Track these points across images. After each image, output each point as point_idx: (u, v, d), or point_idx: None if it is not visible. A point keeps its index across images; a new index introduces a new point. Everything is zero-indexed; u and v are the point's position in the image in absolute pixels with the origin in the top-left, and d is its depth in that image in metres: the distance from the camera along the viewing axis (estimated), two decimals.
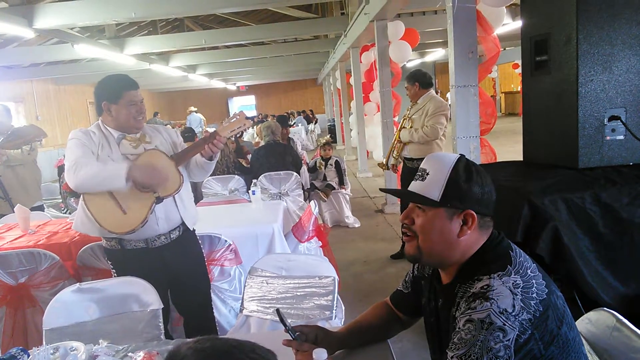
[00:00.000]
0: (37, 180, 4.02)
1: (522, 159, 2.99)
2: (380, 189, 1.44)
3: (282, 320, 1.39)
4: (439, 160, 1.24)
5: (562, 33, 2.40)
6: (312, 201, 3.50)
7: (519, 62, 15.40)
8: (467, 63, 3.22)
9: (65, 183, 3.52)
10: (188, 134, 6.09)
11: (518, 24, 5.52)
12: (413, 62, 15.28)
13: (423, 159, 4.21)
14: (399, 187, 4.86)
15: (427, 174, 1.23)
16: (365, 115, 8.57)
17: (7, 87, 11.49)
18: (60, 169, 6.82)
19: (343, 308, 2.58)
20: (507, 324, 1.02)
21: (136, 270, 2.18)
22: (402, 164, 4.34)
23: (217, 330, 2.58)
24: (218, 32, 10.23)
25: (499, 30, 4.05)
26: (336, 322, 2.14)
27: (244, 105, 24.72)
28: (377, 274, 4.15)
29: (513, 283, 1.08)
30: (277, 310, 1.43)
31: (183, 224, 2.39)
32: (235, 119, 2.35)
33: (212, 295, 2.70)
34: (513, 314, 1.03)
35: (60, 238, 3.13)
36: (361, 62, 8.64)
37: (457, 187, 1.19)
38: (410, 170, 4.14)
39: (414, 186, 1.25)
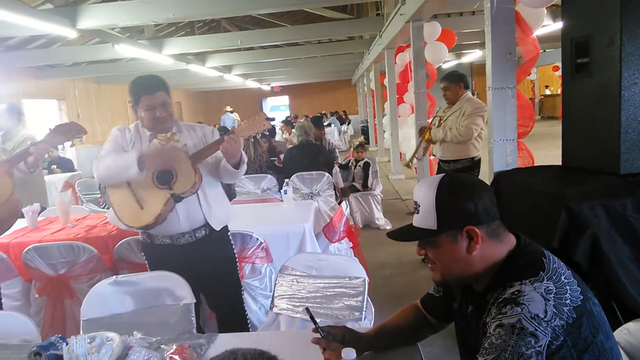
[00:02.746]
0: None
1: (560, 164, 2.92)
2: (387, 234, 1.34)
3: (311, 319, 1.40)
4: (424, 188, 1.23)
5: (605, 34, 2.32)
6: (344, 202, 3.50)
7: (559, 64, 15.02)
8: (504, 65, 3.16)
9: None
10: (222, 133, 6.19)
11: (558, 25, 5.39)
12: (449, 63, 15.07)
13: (459, 160, 4.16)
14: None
15: (419, 205, 1.22)
16: (399, 116, 8.51)
17: (50, 85, 11.91)
18: None
19: (373, 310, 2.57)
20: (539, 330, 1.00)
21: (164, 265, 2.26)
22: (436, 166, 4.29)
23: (249, 327, 2.60)
24: (253, 32, 10.37)
25: (539, 32, 3.95)
26: (365, 323, 2.13)
27: (277, 105, 24.92)
28: (407, 277, 4.11)
29: (545, 289, 1.06)
30: (307, 309, 1.44)
31: (208, 224, 2.38)
32: (254, 119, 2.29)
33: (243, 292, 2.72)
34: (545, 319, 1.01)
35: (99, 232, 3.23)
36: (396, 63, 8.58)
37: (447, 209, 1.18)
38: (442, 172, 4.09)
39: (414, 220, 1.25)
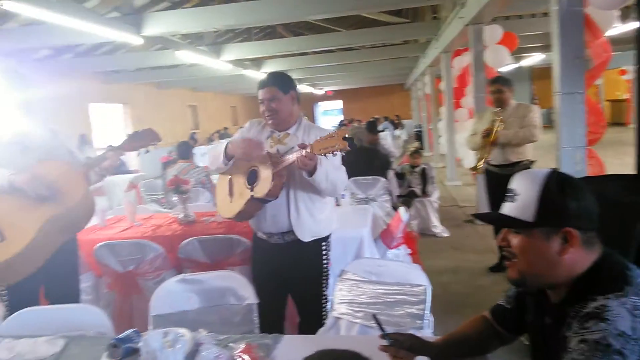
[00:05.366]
0: None
1: (633, 172, 2.77)
2: (472, 215, 1.38)
3: (379, 326, 1.40)
4: (528, 178, 1.17)
5: None
6: (403, 207, 3.46)
7: (627, 68, 14.25)
8: (573, 68, 3.05)
9: (170, 179, 3.76)
10: None
11: (627, 26, 5.13)
12: (508, 67, 14.61)
13: (519, 163, 4.02)
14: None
15: (518, 194, 1.17)
16: (456, 121, 8.34)
17: (115, 89, 12.51)
18: (165, 165, 7.30)
19: (432, 319, 2.52)
20: (626, 348, 0.96)
21: (260, 258, 2.46)
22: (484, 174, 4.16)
23: None
24: (308, 38, 10.47)
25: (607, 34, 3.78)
26: (426, 332, 2.10)
27: (329, 110, 25.04)
28: (467, 285, 4.02)
29: (632, 305, 1.01)
30: (374, 316, 1.43)
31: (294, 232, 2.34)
32: (332, 136, 2.01)
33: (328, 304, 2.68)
34: (633, 337, 0.96)
35: (164, 231, 3.35)
36: (452, 67, 8.43)
37: (550, 204, 1.12)
38: (496, 178, 3.98)
39: (505, 208, 1.20)
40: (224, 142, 2.39)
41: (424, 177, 5.63)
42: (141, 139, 2.47)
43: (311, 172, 2.12)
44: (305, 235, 2.34)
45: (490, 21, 6.12)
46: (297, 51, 10.39)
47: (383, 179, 4.89)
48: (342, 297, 2.32)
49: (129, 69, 12.04)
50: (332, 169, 2.20)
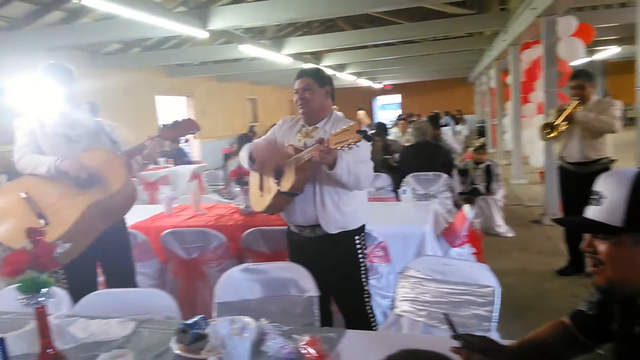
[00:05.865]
0: None
1: None
2: (553, 220, 1.28)
3: (451, 326, 1.34)
4: (615, 179, 1.08)
5: None
6: (468, 205, 3.34)
7: None
8: None
9: (232, 170, 3.83)
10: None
11: None
12: (581, 60, 13.84)
13: (586, 163, 3.76)
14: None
15: (604, 196, 1.08)
16: (523, 117, 7.99)
17: (180, 83, 12.91)
18: (226, 156, 7.46)
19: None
20: None
21: (294, 251, 2.49)
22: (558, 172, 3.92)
23: (376, 326, 2.57)
24: (369, 31, 10.34)
25: None
26: (493, 335, 2.01)
27: (388, 104, 24.75)
28: (533, 288, 3.83)
29: None
30: (446, 315, 1.37)
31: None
32: (346, 130, 2.02)
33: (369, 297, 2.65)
34: None
35: (226, 221, 3.41)
36: (521, 60, 8.07)
37: None
38: (573, 176, 3.75)
39: (590, 212, 1.11)
40: (252, 145, 2.46)
41: (489, 174, 5.42)
42: (180, 128, 2.52)
43: (331, 166, 2.13)
44: (331, 227, 2.35)
45: (564, 12, 5.80)
46: (357, 44, 10.28)
47: (445, 175, 4.75)
48: (404, 295, 2.27)
49: (193, 63, 12.38)
50: (354, 162, 2.20)
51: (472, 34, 12.15)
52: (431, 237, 3.06)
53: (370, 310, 2.56)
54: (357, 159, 2.24)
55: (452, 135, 10.82)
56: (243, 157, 2.47)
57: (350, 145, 1.98)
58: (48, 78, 2.47)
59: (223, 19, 6.57)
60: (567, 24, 5.57)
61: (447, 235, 3.16)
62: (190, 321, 1.61)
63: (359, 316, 2.53)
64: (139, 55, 10.36)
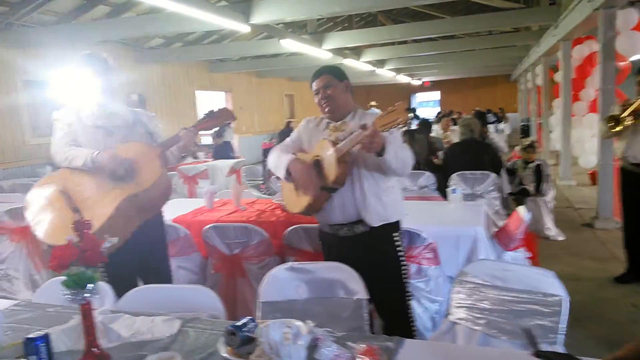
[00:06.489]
0: None
1: None
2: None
3: (531, 341, 1.20)
4: None
5: None
6: (523, 206, 3.15)
7: None
8: None
9: None
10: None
11: None
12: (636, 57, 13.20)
13: None
14: (616, 196, 4.12)
15: None
16: (573, 115, 7.63)
17: (219, 78, 13.00)
18: (265, 151, 7.42)
19: None
20: None
21: (330, 253, 2.39)
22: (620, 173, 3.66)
23: (416, 333, 2.44)
24: (410, 25, 10.14)
25: None
26: (559, 349, 1.85)
27: (426, 101, 24.34)
28: (588, 296, 3.60)
29: None
30: (526, 330, 1.24)
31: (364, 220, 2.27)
32: (392, 110, 2.01)
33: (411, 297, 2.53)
34: None
35: (268, 217, 3.34)
36: (571, 56, 7.71)
37: None
38: (634, 179, 3.49)
39: None
40: (285, 156, 2.32)
41: (539, 174, 5.16)
42: (216, 118, 2.45)
43: (380, 152, 2.05)
44: (373, 219, 2.26)
45: (623, 5, 5.46)
46: (397, 39, 10.07)
47: (493, 174, 4.54)
48: (460, 301, 2.12)
49: (233, 58, 12.43)
50: (399, 147, 2.16)
51: (519, 29, 11.73)
52: (484, 239, 2.89)
53: (410, 314, 2.46)
54: (397, 139, 2.21)
55: (494, 134, 10.49)
56: (273, 165, 2.38)
57: (400, 125, 1.94)
58: (84, 68, 2.43)
59: (265, 13, 6.52)
60: (628, 17, 5.24)
61: (501, 237, 2.99)
62: (238, 323, 1.52)
63: (399, 319, 2.42)
64: (180, 50, 10.46)
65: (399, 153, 2.14)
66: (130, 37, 8.88)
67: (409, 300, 2.43)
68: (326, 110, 2.33)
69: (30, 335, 1.38)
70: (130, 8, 7.95)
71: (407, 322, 2.42)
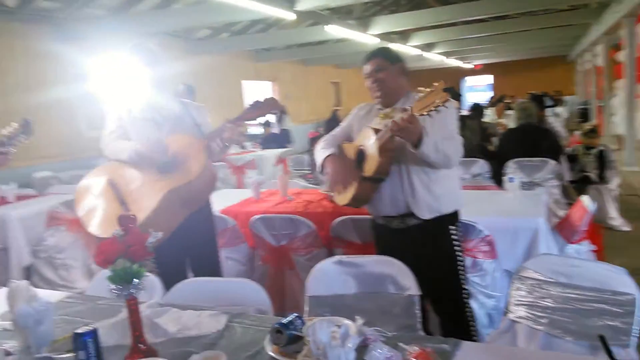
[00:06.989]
0: None
1: None
2: None
3: (607, 351, 1.08)
4: None
5: None
6: (586, 195, 2.95)
7: None
8: None
9: None
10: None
11: None
12: None
13: None
14: None
15: None
16: (638, 97, 7.13)
17: (265, 67, 13.02)
18: (312, 140, 7.39)
19: None
20: None
21: (382, 245, 2.32)
22: None
23: (475, 334, 2.32)
24: (460, 6, 9.73)
25: None
26: (631, 353, 1.71)
27: (477, 85, 23.58)
28: None
29: None
30: (602, 337, 1.11)
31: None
32: (431, 90, 1.89)
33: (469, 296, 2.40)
34: None
35: (315, 208, 3.28)
36: (636, 33, 7.19)
37: None
38: None
39: None
40: (323, 152, 2.33)
41: (602, 160, 4.85)
42: (260, 108, 2.38)
43: (416, 144, 1.95)
44: (423, 211, 2.15)
45: None
46: (447, 21, 9.73)
47: (552, 161, 4.30)
48: (520, 298, 1.99)
49: (278, 47, 12.41)
50: (441, 138, 2.03)
51: (576, 7, 11.07)
52: (545, 231, 2.71)
53: (469, 312, 2.33)
54: (444, 128, 2.09)
55: (551, 118, 9.98)
56: (316, 159, 2.37)
57: (438, 108, 1.82)
58: (132, 59, 2.43)
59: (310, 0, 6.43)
60: None
61: (563, 229, 2.80)
62: (285, 320, 1.47)
63: (456, 318, 2.31)
64: (227, 40, 10.53)
65: (441, 145, 2.02)
66: (179, 29, 9.02)
67: (466, 298, 2.31)
68: (377, 95, 2.23)
69: (79, 330, 1.38)
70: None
71: (465, 322, 2.30)
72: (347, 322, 1.47)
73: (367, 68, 2.22)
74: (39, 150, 6.32)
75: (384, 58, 2.21)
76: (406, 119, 1.89)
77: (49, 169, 6.34)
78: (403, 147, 2.09)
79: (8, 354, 1.49)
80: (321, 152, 2.32)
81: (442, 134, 2.06)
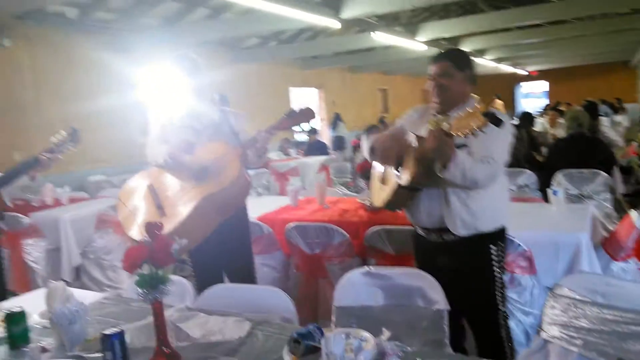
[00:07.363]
0: None
1: None
2: None
3: None
4: None
5: None
6: (634, 210, 2.79)
7: None
8: None
9: (359, 164, 3.69)
10: None
11: None
12: None
13: None
14: None
15: None
16: None
17: (312, 74, 13.13)
18: (355, 148, 7.37)
19: None
20: None
21: (420, 256, 2.30)
22: None
23: (512, 355, 2.23)
24: (513, 11, 9.45)
25: None
26: None
27: (533, 92, 22.81)
28: None
29: None
30: None
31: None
32: (471, 112, 1.75)
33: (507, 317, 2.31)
34: None
35: (350, 217, 3.28)
36: None
37: None
38: None
39: None
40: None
41: None
42: (295, 118, 2.40)
43: (445, 164, 1.88)
44: (458, 227, 2.06)
45: None
46: (499, 27, 9.48)
47: (604, 174, 4.10)
48: (554, 317, 1.91)
49: (326, 54, 12.50)
50: (475, 161, 1.94)
51: (638, 10, 10.52)
52: (588, 247, 2.59)
53: (506, 335, 2.22)
54: (485, 150, 1.97)
55: (610, 127, 9.52)
56: (364, 148, 2.28)
57: (475, 132, 1.70)
58: (175, 69, 2.52)
59: (356, 7, 6.46)
60: None
61: (609, 246, 2.67)
62: (303, 331, 1.48)
63: (492, 340, 2.21)
64: (275, 49, 10.71)
65: (469, 172, 1.92)
66: (228, 38, 9.26)
67: (503, 321, 2.20)
68: (435, 100, 2.12)
69: (107, 332, 1.44)
70: (229, 9, 8.27)
71: (500, 344, 2.19)
72: (366, 334, 1.46)
73: (432, 69, 2.12)
74: (93, 155, 6.65)
75: (452, 63, 2.09)
76: (436, 135, 1.82)
77: (102, 174, 6.66)
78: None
79: (44, 350, 1.58)
80: (368, 141, 2.23)
81: (480, 154, 1.97)
